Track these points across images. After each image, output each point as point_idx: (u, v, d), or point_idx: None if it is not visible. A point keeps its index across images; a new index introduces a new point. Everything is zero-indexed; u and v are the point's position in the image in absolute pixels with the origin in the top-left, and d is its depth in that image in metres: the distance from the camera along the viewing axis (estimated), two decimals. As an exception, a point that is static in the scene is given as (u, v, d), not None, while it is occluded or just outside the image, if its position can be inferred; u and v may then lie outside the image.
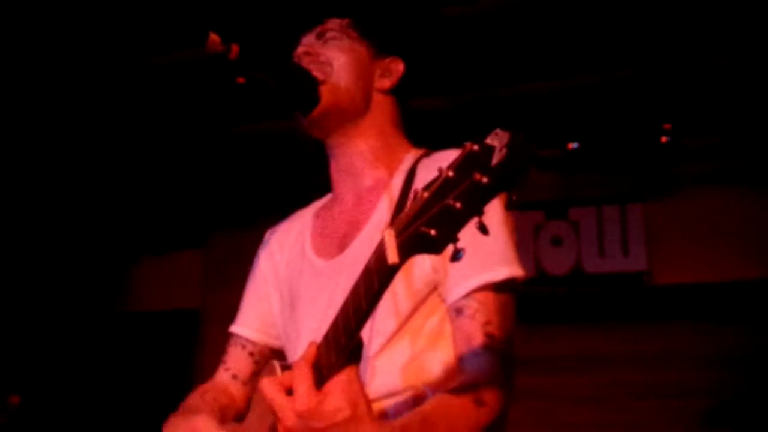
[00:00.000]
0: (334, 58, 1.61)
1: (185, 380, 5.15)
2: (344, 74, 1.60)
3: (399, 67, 1.68)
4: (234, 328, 1.75)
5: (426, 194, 1.01)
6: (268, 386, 1.17)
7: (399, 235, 1.02)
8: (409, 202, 1.04)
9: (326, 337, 1.18)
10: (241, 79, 1.41)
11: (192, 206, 5.46)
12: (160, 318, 5.42)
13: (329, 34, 1.63)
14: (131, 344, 5.68)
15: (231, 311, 1.81)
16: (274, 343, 1.73)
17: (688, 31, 3.85)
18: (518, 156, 1.00)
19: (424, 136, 1.70)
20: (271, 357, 1.72)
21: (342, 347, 1.13)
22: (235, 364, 1.72)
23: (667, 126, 4.70)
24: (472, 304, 1.39)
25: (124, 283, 5.87)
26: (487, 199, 0.99)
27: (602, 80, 4.30)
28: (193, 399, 1.63)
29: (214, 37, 1.31)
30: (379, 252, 1.05)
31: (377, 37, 1.68)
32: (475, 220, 0.98)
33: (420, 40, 3.66)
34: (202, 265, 5.70)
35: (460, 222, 0.99)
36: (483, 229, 1.00)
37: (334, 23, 1.66)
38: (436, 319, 1.46)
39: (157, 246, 5.68)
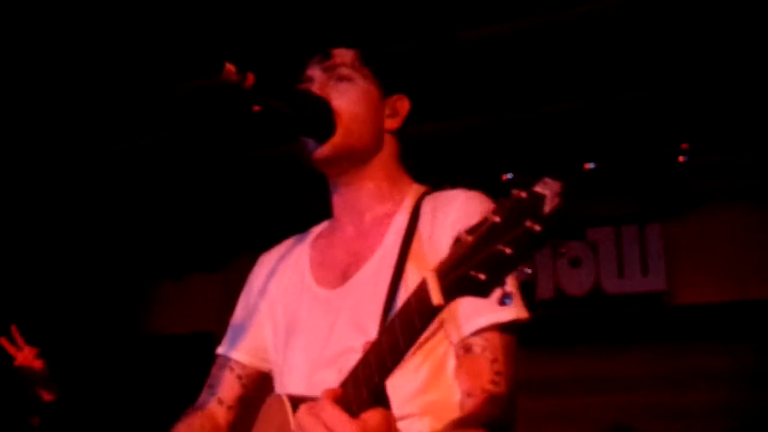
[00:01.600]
0: (348, 102, 1.61)
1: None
2: (359, 120, 1.60)
3: (405, 106, 1.69)
4: (222, 350, 1.76)
5: (470, 239, 1.03)
6: (307, 419, 1.17)
7: (443, 278, 1.05)
8: (450, 247, 1.06)
9: (354, 373, 1.19)
10: (256, 108, 1.43)
11: (211, 230, 5.51)
12: (178, 341, 5.45)
13: (341, 71, 1.63)
14: (149, 367, 5.71)
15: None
16: (264, 366, 1.72)
17: (703, 49, 3.85)
18: (569, 206, 1.02)
19: (439, 161, 1.70)
20: (258, 380, 1.73)
21: (375, 385, 1.16)
22: (221, 387, 1.72)
23: (684, 145, 4.69)
24: (480, 342, 1.43)
25: (142, 306, 5.92)
26: (538, 247, 1.00)
27: (619, 100, 4.31)
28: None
29: (229, 66, 1.33)
30: (421, 293, 1.07)
31: (386, 74, 1.68)
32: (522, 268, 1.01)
33: (435, 64, 3.70)
34: (221, 288, 5.73)
35: (510, 267, 1.01)
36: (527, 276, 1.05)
37: (343, 57, 1.64)
38: (438, 356, 1.48)
39: (176, 270, 5.72)
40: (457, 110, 4.19)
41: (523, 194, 1.02)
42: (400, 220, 1.57)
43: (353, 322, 1.50)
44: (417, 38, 3.47)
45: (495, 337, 1.44)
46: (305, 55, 1.68)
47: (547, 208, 1.01)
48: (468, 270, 1.02)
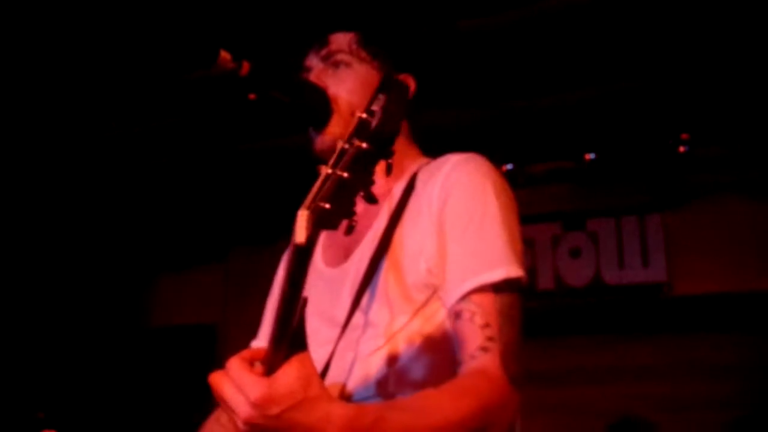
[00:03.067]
0: (344, 89, 1.58)
1: (205, 394, 5.17)
2: (356, 106, 1.56)
3: (411, 84, 1.65)
4: (256, 343, 1.76)
5: (328, 170, 1.01)
6: (217, 379, 1.13)
7: (310, 214, 1.01)
8: (318, 181, 1.03)
9: (272, 334, 1.15)
10: (252, 96, 1.42)
11: (212, 223, 5.51)
12: (181, 332, 5.46)
13: (338, 57, 1.61)
14: (152, 359, 5.72)
15: (250, 325, 1.82)
16: None
17: (705, 40, 3.84)
18: (392, 118, 1.03)
19: (441, 151, 1.69)
20: None
21: (282, 337, 1.10)
22: None
23: (684, 136, 4.69)
24: (469, 307, 1.34)
25: (145, 298, 5.93)
26: (370, 165, 0.99)
27: (619, 91, 4.30)
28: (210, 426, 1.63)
29: (225, 54, 1.33)
30: (292, 235, 1.03)
31: (386, 54, 1.64)
32: (362, 191, 1.00)
33: (436, 53, 3.69)
34: (222, 280, 5.74)
35: (350, 192, 0.99)
36: (371, 199, 1.03)
37: (340, 42, 1.62)
38: (436, 323, 1.42)
39: (178, 262, 5.73)
40: (454, 100, 4.19)
41: (364, 114, 1.02)
42: (396, 193, 1.55)
43: (350, 298, 1.49)
44: (416, 27, 3.46)
45: (487, 300, 1.35)
46: (303, 45, 1.66)
47: (374, 123, 1.01)
48: (317, 202, 1.00)
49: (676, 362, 4.81)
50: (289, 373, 1.08)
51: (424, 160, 1.64)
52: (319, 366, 1.36)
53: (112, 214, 5.28)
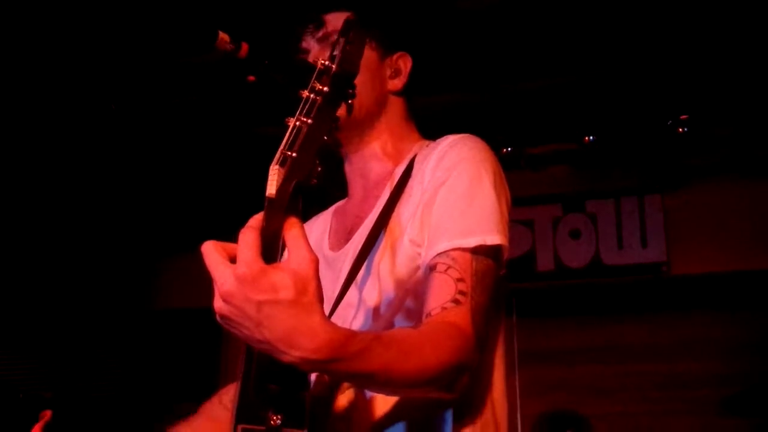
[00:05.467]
0: None
1: (212, 377, 5.23)
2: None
3: (408, 63, 1.65)
4: None
5: (293, 120, 1.02)
6: (208, 247, 1.01)
7: (281, 168, 1.01)
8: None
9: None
10: (251, 78, 1.44)
11: (219, 205, 5.52)
12: (188, 315, 5.49)
13: (334, 38, 1.61)
14: (160, 341, 5.76)
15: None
16: None
17: (705, 22, 3.84)
18: (350, 59, 1.05)
19: (441, 134, 1.69)
20: None
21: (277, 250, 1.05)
22: None
23: (684, 117, 4.70)
24: (446, 261, 1.32)
25: (153, 281, 5.96)
26: (333, 108, 1.00)
27: (619, 72, 4.31)
28: (205, 409, 1.65)
29: (223, 36, 1.34)
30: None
31: (383, 33, 1.64)
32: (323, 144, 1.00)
33: (434, 33, 3.69)
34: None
35: (315, 138, 0.99)
36: (336, 143, 1.04)
37: (335, 23, 1.60)
38: (422, 293, 1.38)
39: (186, 244, 5.74)
40: (454, 82, 4.19)
41: (325, 61, 1.04)
42: (397, 175, 1.56)
43: (345, 276, 1.50)
44: (414, 7, 3.45)
45: (464, 258, 1.32)
46: (298, 26, 1.67)
47: (334, 66, 1.04)
48: (285, 152, 0.99)
49: (674, 341, 4.86)
50: (286, 268, 0.98)
51: (423, 142, 1.64)
52: None
53: (119, 196, 5.30)
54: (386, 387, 1.20)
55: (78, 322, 5.50)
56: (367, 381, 1.16)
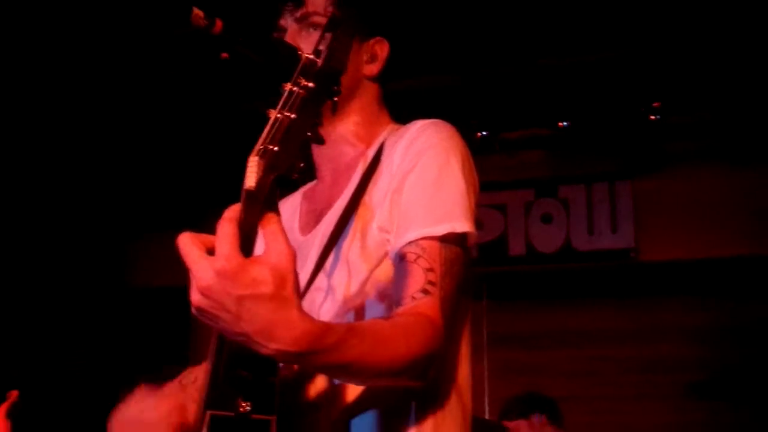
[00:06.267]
0: None
1: (182, 356, 5.21)
2: None
3: (385, 49, 1.64)
4: None
5: (276, 113, 1.00)
6: (185, 240, 1.01)
7: (260, 159, 1.00)
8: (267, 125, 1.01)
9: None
10: (225, 55, 1.41)
11: (192, 183, 5.48)
12: (161, 294, 5.46)
13: (313, 19, 1.58)
14: (133, 320, 5.73)
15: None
16: None
17: (678, 9, 3.87)
18: (337, 56, 1.04)
19: (414, 118, 1.68)
20: None
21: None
22: None
23: (656, 104, 4.74)
24: (415, 250, 1.32)
25: (125, 259, 5.91)
26: (317, 105, 0.99)
27: (592, 59, 4.33)
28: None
29: (197, 11, 1.32)
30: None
31: (362, 18, 1.59)
32: (309, 132, 0.99)
33: (411, 17, 3.68)
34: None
35: (299, 132, 0.99)
36: (318, 140, 1.02)
37: (315, 3, 1.58)
38: (389, 283, 1.39)
39: (158, 223, 5.69)
40: (429, 66, 4.19)
41: (310, 55, 1.04)
42: (368, 160, 1.55)
43: (314, 261, 1.49)
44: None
45: (433, 247, 1.32)
46: (278, 2, 1.64)
47: (319, 62, 1.03)
48: (266, 145, 0.98)
49: (642, 326, 4.93)
50: (265, 262, 0.99)
51: (394, 126, 1.63)
52: None
53: (94, 174, 5.23)
54: (358, 377, 1.22)
55: (49, 301, 5.45)
56: (342, 371, 1.18)
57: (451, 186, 1.39)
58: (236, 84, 3.99)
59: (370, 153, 1.57)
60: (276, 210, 1.05)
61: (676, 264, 4.86)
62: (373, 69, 1.63)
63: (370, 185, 1.49)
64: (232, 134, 5.01)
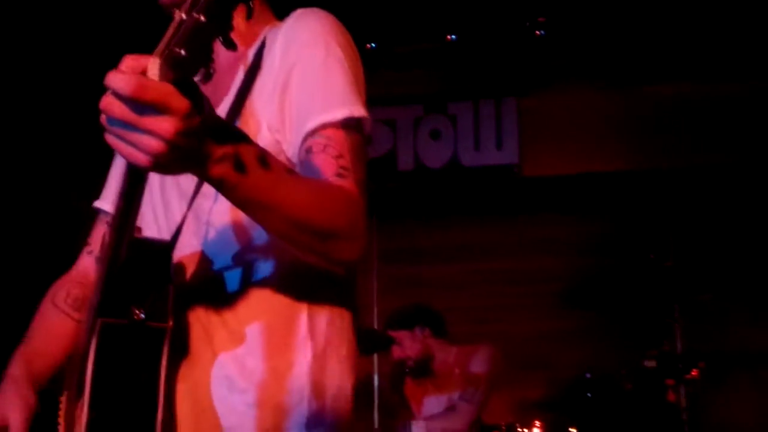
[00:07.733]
0: None
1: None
2: None
3: None
4: (98, 203, 1.68)
5: (183, 14, 0.93)
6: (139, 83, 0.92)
7: (163, 62, 0.93)
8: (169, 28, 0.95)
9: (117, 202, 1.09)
10: None
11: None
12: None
13: None
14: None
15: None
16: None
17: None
18: None
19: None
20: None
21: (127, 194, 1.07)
22: (93, 239, 1.67)
23: (541, 19, 4.78)
24: (320, 140, 1.29)
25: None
26: (230, 7, 0.94)
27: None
28: (41, 320, 1.60)
29: None
30: None
31: None
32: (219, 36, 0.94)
33: None
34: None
35: (208, 36, 0.93)
36: (230, 45, 0.97)
37: None
38: None
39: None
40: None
41: None
42: (249, 59, 1.49)
43: None
44: None
45: (337, 135, 1.30)
46: None
47: None
48: (171, 47, 0.93)
49: (523, 240, 5.10)
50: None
51: (277, 23, 1.56)
52: (169, 235, 1.34)
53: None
54: (288, 222, 1.16)
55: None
56: (273, 204, 1.13)
57: (340, 73, 1.36)
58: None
59: (251, 51, 1.50)
60: None
61: (555, 179, 5.02)
62: None
63: (254, 87, 1.43)
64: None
